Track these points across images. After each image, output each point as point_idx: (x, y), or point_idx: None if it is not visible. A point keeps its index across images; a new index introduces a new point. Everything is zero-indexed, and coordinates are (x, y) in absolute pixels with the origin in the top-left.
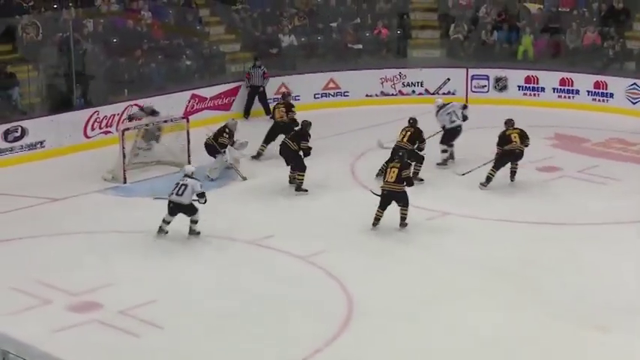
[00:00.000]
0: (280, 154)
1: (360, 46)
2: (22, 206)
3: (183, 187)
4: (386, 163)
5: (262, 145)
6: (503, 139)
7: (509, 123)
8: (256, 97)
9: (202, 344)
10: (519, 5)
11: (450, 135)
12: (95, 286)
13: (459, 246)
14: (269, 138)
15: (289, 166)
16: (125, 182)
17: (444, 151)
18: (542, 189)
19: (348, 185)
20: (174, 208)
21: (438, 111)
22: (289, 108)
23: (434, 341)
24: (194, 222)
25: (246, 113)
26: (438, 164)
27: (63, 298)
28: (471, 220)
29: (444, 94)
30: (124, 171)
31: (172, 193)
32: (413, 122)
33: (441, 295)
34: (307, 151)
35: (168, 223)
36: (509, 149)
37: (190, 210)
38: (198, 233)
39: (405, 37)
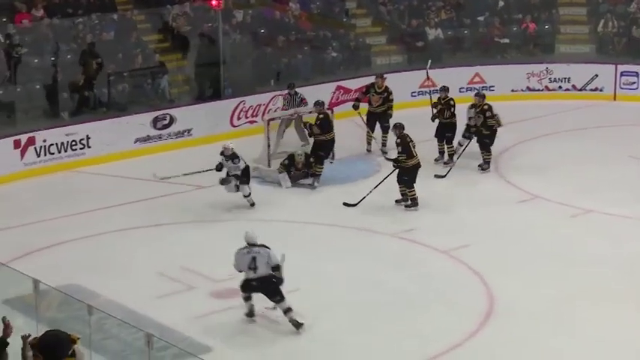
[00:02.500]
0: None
1: (507, 41)
2: (170, 192)
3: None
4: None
5: (368, 135)
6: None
7: None
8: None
9: (342, 335)
10: None
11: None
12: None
13: (602, 244)
14: (371, 127)
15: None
16: None
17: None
18: None
19: (491, 180)
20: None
21: None
22: (388, 95)
23: (572, 341)
24: None
25: None
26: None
27: (206, 284)
28: (615, 219)
29: (591, 90)
30: (269, 160)
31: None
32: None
33: (582, 294)
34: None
35: None
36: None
37: None
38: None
39: (553, 31)
